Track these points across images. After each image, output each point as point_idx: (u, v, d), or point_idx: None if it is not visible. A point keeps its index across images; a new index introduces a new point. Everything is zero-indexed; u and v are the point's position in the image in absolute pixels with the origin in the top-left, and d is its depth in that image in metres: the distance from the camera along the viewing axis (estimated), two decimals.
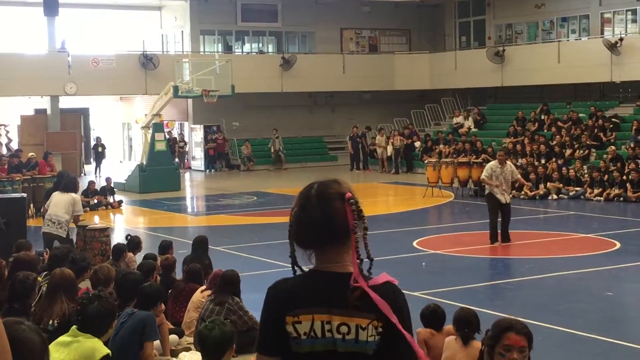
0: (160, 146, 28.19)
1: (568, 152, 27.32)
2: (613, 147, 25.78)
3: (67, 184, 14.01)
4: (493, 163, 16.44)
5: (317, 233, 3.05)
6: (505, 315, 5.17)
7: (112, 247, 12.03)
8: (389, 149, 33.24)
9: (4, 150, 30.15)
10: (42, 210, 16.43)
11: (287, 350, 3.07)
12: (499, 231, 16.38)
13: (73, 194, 13.56)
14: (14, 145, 31.38)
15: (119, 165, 37.65)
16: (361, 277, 3.00)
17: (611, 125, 28.05)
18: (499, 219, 16.35)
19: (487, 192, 16.50)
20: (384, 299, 2.97)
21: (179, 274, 10.96)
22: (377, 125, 36.61)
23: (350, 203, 3.04)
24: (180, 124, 38.09)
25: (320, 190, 3.09)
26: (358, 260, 3.00)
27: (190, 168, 36.38)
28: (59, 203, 13.39)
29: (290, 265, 3.17)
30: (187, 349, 8.83)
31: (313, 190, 3.10)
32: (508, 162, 16.50)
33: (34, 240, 13.56)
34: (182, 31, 36.71)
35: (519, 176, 17.14)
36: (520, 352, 4.47)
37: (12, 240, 10.84)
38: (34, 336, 2.91)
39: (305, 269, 3.17)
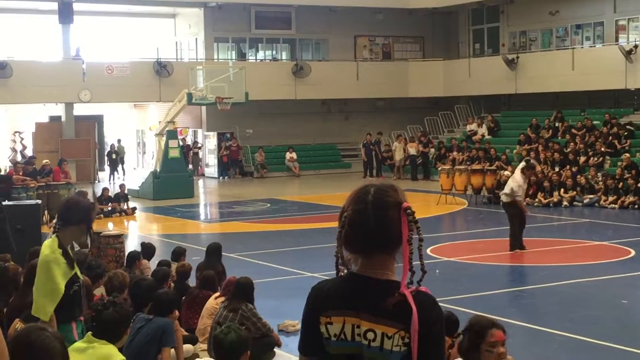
0: (174, 153, 28.28)
1: (582, 159, 27.24)
2: (628, 155, 25.67)
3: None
4: (521, 179, 16.28)
5: (369, 240, 3.00)
6: (485, 315, 5.31)
7: (126, 253, 12.07)
8: (400, 154, 33.32)
9: (19, 158, 30.30)
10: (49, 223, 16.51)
11: (323, 350, 3.08)
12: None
13: None
14: (29, 152, 31.52)
15: (133, 172, 37.76)
16: (406, 287, 2.98)
17: (626, 133, 27.95)
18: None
19: (508, 200, 16.37)
20: (419, 307, 2.95)
21: (192, 281, 10.99)
22: (390, 132, 36.63)
23: (408, 214, 3.01)
24: (194, 131, 38.20)
25: (378, 197, 3.04)
26: (410, 272, 2.97)
27: (203, 175, 36.46)
28: None
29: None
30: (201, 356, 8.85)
31: (370, 196, 3.04)
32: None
33: None
34: (196, 38, 36.83)
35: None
36: (503, 345, 4.82)
37: (27, 247, 10.87)
38: (55, 343, 2.99)
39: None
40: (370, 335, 2.98)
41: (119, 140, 36.75)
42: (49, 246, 5.91)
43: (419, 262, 3.01)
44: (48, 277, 5.82)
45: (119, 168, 35.91)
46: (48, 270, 5.82)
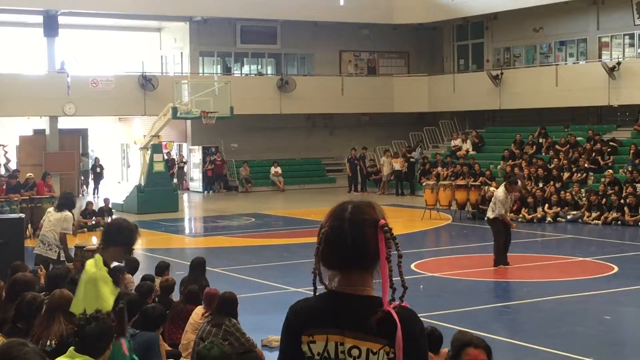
0: (159, 167, 28.22)
1: (566, 175, 27.36)
2: (611, 171, 25.82)
3: (61, 201, 13.81)
4: (502, 195, 16.31)
5: (346, 257, 3.01)
6: (470, 332, 5.22)
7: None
8: (388, 169, 33.41)
9: (2, 171, 30.14)
10: (38, 229, 16.31)
11: None
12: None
13: (66, 212, 13.31)
14: (12, 166, 31.36)
15: (117, 185, 37.65)
16: (388, 304, 2.98)
17: (609, 149, 28.10)
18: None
19: (492, 216, 16.44)
20: (402, 322, 2.95)
21: (176, 296, 10.95)
22: (375, 147, 36.70)
23: (384, 231, 3.01)
24: (179, 145, 38.14)
25: (354, 214, 3.04)
26: (390, 289, 2.98)
27: (188, 189, 36.39)
28: (53, 223, 13.27)
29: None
30: None
31: (347, 213, 3.05)
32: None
33: (31, 261, 13.53)
34: (182, 52, 36.83)
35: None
36: None
37: (10, 260, 10.80)
38: (37, 358, 2.98)
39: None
40: (355, 352, 2.98)
41: (84, 154, 36.42)
42: (94, 264, 5.97)
43: (399, 279, 3.01)
44: (97, 294, 5.84)
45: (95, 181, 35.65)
46: (96, 287, 5.85)
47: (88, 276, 5.93)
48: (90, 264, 6.01)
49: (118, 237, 6.08)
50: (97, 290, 5.85)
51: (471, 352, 4.68)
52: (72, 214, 13.43)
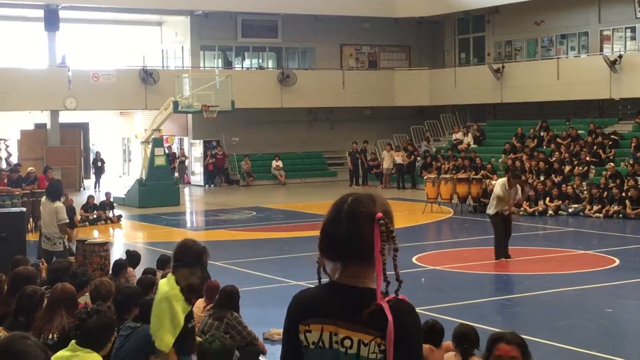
0: (160, 161, 28.22)
1: (567, 168, 27.35)
2: (612, 164, 25.81)
3: (50, 190, 13.89)
4: (500, 190, 16.32)
5: (342, 248, 3.03)
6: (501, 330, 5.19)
7: (111, 262, 12.00)
8: (389, 163, 33.40)
9: (4, 165, 30.16)
10: (38, 224, 16.39)
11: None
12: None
13: (57, 203, 13.41)
14: (14, 160, 31.38)
15: (118, 179, 37.65)
16: (382, 296, 2.99)
17: (610, 142, 28.08)
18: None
19: (492, 212, 16.45)
20: (394, 313, 2.95)
21: None
22: (376, 140, 36.69)
23: (380, 224, 3.00)
24: (180, 139, 38.13)
25: (352, 206, 3.05)
26: (384, 283, 2.98)
27: (189, 183, 36.40)
28: (47, 217, 13.36)
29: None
30: None
31: (345, 205, 3.06)
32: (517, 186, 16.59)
33: (32, 254, 13.55)
34: (183, 46, 36.80)
35: (520, 195, 17.05)
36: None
37: (11, 254, 10.80)
38: (38, 352, 3.00)
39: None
40: (347, 342, 3.00)
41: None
42: (167, 283, 6.16)
43: (394, 273, 3.01)
44: (171, 312, 6.03)
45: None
46: (170, 305, 6.04)
47: (162, 295, 6.12)
48: (163, 284, 6.22)
49: (188, 259, 6.27)
50: (170, 308, 6.04)
51: (502, 347, 4.66)
52: (64, 201, 13.56)
